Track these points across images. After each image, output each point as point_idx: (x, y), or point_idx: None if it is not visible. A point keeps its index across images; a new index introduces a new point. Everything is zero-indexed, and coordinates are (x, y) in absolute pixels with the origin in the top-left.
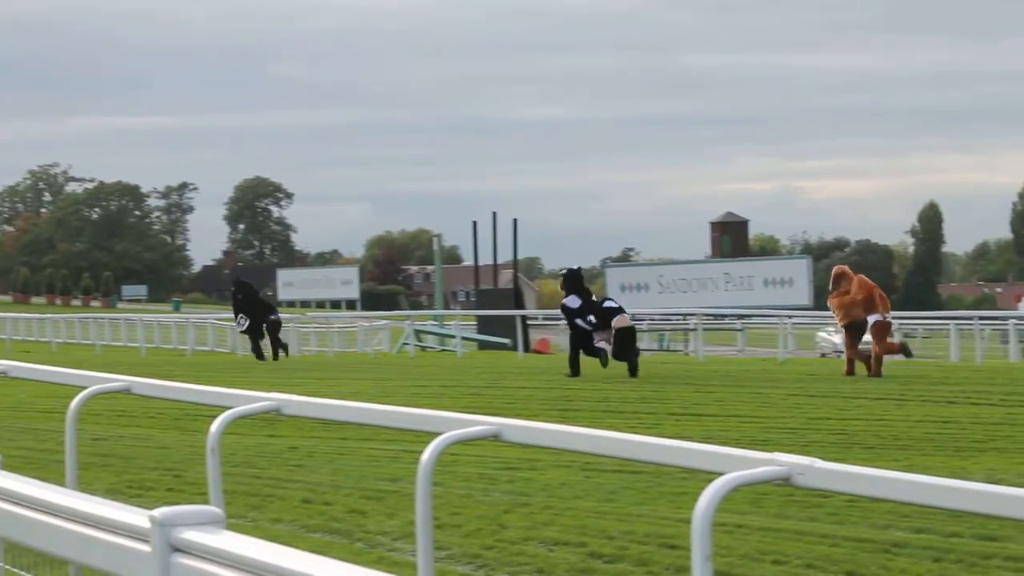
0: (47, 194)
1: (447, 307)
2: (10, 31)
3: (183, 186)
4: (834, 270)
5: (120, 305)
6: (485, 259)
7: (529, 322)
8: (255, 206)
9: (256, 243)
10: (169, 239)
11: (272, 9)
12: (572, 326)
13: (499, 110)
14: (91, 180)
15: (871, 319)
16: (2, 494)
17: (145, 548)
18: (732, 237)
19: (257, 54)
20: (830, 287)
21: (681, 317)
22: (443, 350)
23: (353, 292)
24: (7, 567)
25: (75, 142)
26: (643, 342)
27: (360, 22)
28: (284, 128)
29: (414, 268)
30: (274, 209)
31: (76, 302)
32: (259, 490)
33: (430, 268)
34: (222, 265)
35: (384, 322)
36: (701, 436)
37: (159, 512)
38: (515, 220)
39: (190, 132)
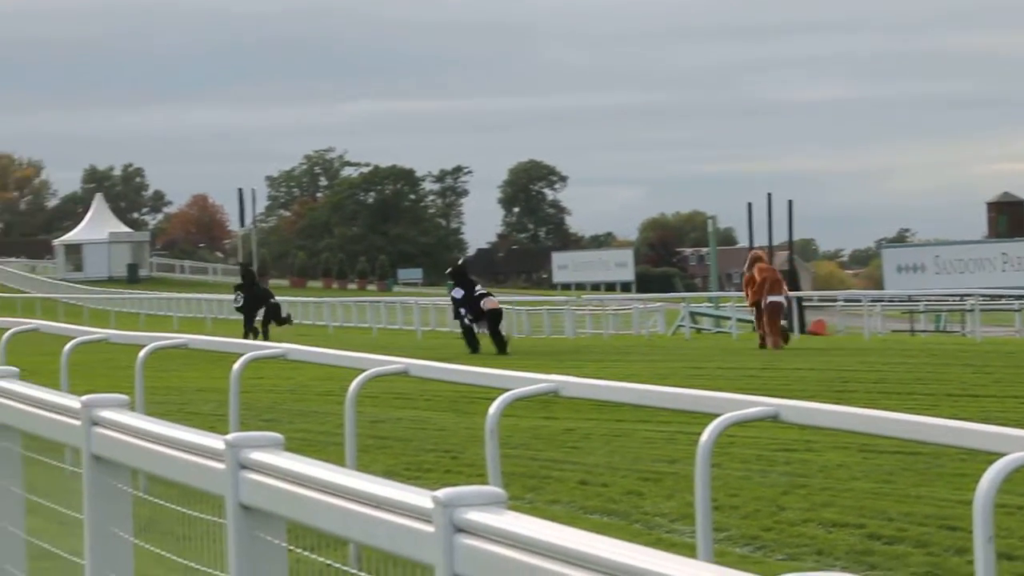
0: (323, 179)
1: (722, 289)
2: (287, 16)
3: (457, 169)
4: (751, 254)
5: (396, 288)
6: (760, 241)
7: (805, 303)
8: (529, 189)
9: (530, 226)
10: (444, 222)
11: None
12: (456, 314)
13: (771, 91)
14: (366, 164)
15: (770, 299)
16: (285, 475)
17: (428, 528)
18: (1009, 217)
19: (530, 36)
20: (744, 269)
21: (958, 298)
22: (718, 332)
23: (628, 274)
24: (290, 547)
25: (350, 127)
26: (919, 323)
27: (627, 3)
28: (557, 111)
29: (688, 250)
30: (548, 192)
31: (352, 286)
32: (536, 472)
33: (704, 250)
34: (496, 248)
35: (659, 304)
36: (979, 417)
37: (442, 493)
38: (790, 201)
39: (464, 115)
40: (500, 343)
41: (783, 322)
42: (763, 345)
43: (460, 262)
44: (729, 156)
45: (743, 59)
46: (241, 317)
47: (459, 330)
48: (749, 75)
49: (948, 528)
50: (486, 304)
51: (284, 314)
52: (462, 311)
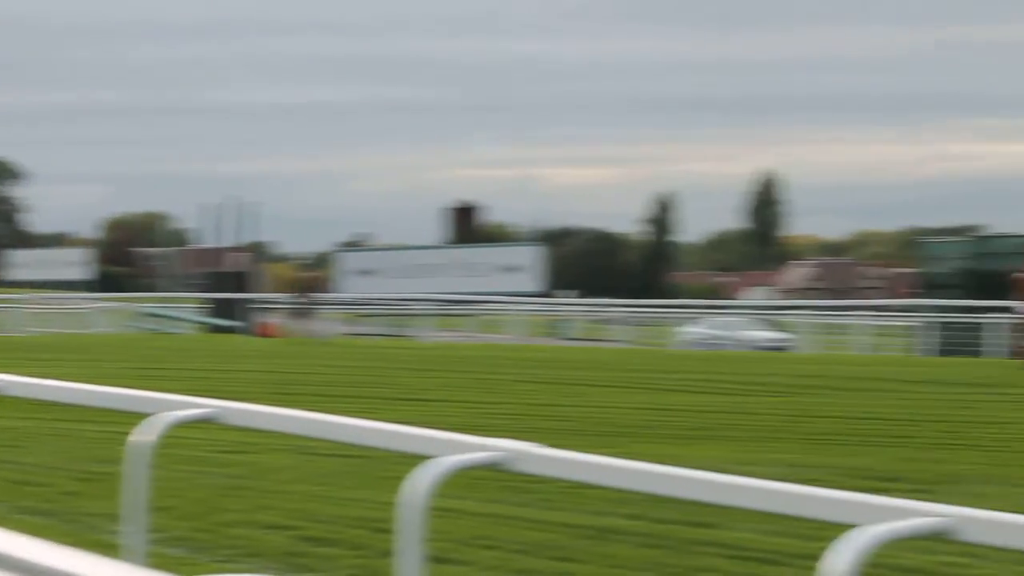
0: None
1: (182, 290)
2: None
3: None
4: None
5: None
6: (229, 241)
7: (257, 305)
8: None
9: None
10: None
11: None
12: None
13: (241, 92)
14: None
15: None
16: None
17: None
18: (464, 223)
19: None
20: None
21: (411, 302)
22: (173, 332)
23: (85, 273)
24: None
25: None
26: (375, 326)
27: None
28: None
29: (150, 250)
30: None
31: None
32: None
33: (168, 250)
34: None
35: (114, 304)
36: (422, 421)
37: None
38: (248, 203)
39: None
40: None
41: None
42: None
43: None
44: (199, 156)
45: (201, 57)
46: None
47: None
48: (208, 73)
49: (380, 531)
50: None
51: None
52: None
